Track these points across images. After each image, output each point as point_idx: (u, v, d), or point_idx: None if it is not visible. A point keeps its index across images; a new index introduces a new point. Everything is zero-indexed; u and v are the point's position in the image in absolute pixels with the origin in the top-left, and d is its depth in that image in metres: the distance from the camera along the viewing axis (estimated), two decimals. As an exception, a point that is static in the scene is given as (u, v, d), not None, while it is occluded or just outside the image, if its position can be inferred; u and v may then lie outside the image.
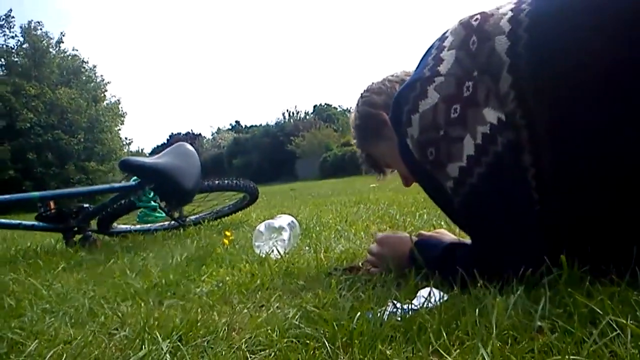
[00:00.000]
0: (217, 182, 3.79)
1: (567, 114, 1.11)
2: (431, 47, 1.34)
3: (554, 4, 1.17)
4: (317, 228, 2.94)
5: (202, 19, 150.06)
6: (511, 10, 1.21)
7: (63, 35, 28.36)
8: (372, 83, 1.66)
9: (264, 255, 2.03)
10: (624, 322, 0.83)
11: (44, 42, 25.13)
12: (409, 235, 1.51)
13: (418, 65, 1.35)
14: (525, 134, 1.15)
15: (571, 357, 0.78)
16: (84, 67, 26.82)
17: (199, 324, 1.18)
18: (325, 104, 57.05)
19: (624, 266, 1.08)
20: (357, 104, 1.66)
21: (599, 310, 0.91)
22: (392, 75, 1.63)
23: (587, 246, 1.12)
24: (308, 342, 0.98)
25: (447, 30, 1.31)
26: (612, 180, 1.10)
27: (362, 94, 1.66)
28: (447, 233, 1.67)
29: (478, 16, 1.26)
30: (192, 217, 4.05)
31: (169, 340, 1.07)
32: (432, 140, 1.23)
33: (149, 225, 3.76)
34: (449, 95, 1.21)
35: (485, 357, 0.79)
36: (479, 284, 1.14)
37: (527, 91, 1.13)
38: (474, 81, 1.18)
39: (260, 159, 47.13)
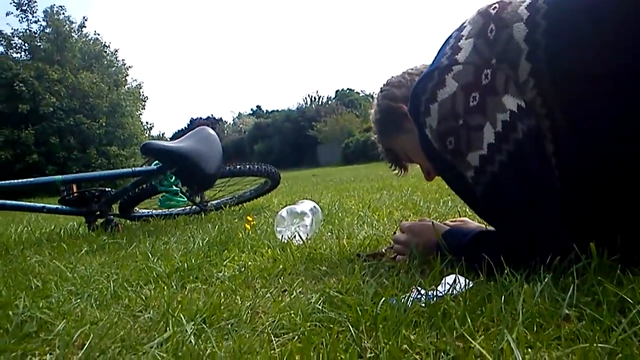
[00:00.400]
0: (238, 166, 3.78)
1: (587, 103, 1.10)
2: (449, 37, 1.33)
3: None
4: (340, 214, 2.93)
5: (224, 2, 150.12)
6: None
7: (85, 20, 28.63)
8: (392, 77, 1.65)
9: (286, 241, 2.03)
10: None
11: (66, 26, 25.25)
12: (434, 222, 1.50)
13: (436, 56, 1.35)
14: (547, 123, 1.14)
15: (599, 345, 0.77)
16: (106, 52, 26.89)
17: (222, 307, 1.19)
18: (348, 88, 56.90)
19: None
20: (377, 98, 1.65)
21: (629, 299, 0.90)
22: (412, 68, 1.63)
23: (617, 235, 1.10)
24: (332, 326, 0.98)
25: (466, 20, 1.31)
26: (637, 169, 1.08)
27: (381, 87, 1.65)
28: (472, 222, 1.65)
29: (496, 5, 1.25)
30: (214, 202, 4.06)
31: (193, 323, 1.08)
32: (452, 129, 1.22)
33: (170, 209, 3.77)
34: (468, 84, 1.20)
35: (511, 343, 0.78)
36: (505, 272, 1.13)
37: (546, 79, 1.13)
38: (492, 69, 1.18)
39: (282, 144, 47.21)
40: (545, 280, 1.04)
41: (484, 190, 1.21)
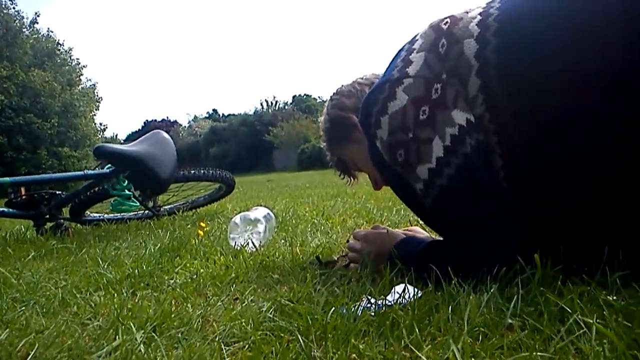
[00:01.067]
0: (192, 171, 3.76)
1: (536, 120, 1.14)
2: (401, 49, 1.35)
3: (522, 11, 1.19)
4: (293, 221, 2.94)
5: (180, 3, 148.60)
6: (480, 14, 1.23)
7: (38, 16, 27.82)
8: (342, 86, 1.66)
9: (239, 248, 2.02)
10: (591, 320, 0.85)
11: (16, 21, 24.50)
12: (389, 229, 1.52)
13: (387, 68, 1.37)
14: (495, 137, 1.17)
15: (538, 353, 0.79)
16: (59, 50, 26.23)
17: (172, 316, 1.18)
18: (305, 94, 56.88)
19: (595, 265, 1.10)
20: (327, 107, 1.66)
21: (568, 309, 0.94)
22: (362, 78, 1.64)
23: (560, 246, 1.14)
24: (282, 335, 0.99)
25: (417, 34, 1.33)
26: (584, 184, 1.12)
27: (331, 97, 1.66)
28: (421, 231, 1.68)
29: (448, 19, 1.28)
30: (167, 207, 4.02)
31: (142, 331, 1.07)
32: (401, 142, 1.24)
33: (122, 214, 3.72)
34: (418, 97, 1.22)
35: (456, 353, 0.81)
36: (453, 282, 1.15)
37: (496, 95, 1.16)
38: (442, 83, 1.20)
39: (238, 149, 46.91)
40: (492, 290, 1.07)
41: (433, 203, 1.23)
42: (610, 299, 0.98)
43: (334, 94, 1.66)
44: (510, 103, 1.15)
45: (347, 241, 1.65)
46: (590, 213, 1.14)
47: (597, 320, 0.86)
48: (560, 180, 1.14)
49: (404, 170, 1.27)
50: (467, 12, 1.27)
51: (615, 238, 1.12)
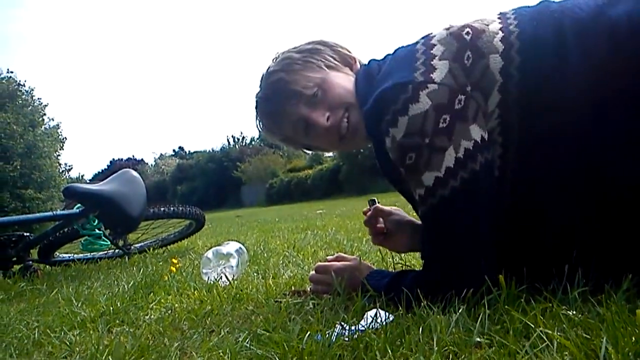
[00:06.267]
0: (162, 209, 3.76)
1: (538, 138, 1.20)
2: (413, 49, 1.33)
3: (540, 30, 1.23)
4: (265, 254, 2.96)
5: (143, 42, 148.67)
6: (501, 30, 1.26)
7: (-2, 58, 27.49)
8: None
9: (212, 282, 2.04)
10: (553, 334, 0.90)
11: (-25, 65, 24.26)
12: (360, 259, 1.56)
13: (395, 67, 1.36)
14: (499, 150, 1.22)
15: (505, 367, 0.84)
16: (20, 91, 25.95)
17: (150, 350, 1.20)
18: (272, 129, 56.99)
19: (557, 283, 1.16)
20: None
21: (531, 325, 0.98)
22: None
23: (524, 266, 1.19)
24: (259, 362, 1.01)
25: (433, 37, 1.32)
26: (564, 205, 1.19)
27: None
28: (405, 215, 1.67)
29: (469, 30, 1.28)
30: (137, 245, 4.00)
31: (121, 365, 1.08)
32: (415, 145, 1.23)
33: (92, 253, 3.69)
34: (441, 105, 1.22)
35: (428, 371, 0.84)
36: (422, 304, 1.19)
37: (511, 111, 1.21)
38: (466, 96, 1.22)
39: (206, 186, 46.63)
40: (460, 311, 1.12)
41: (428, 211, 1.25)
42: (570, 313, 1.03)
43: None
44: (520, 121, 1.21)
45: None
46: (557, 235, 1.21)
47: (559, 334, 0.91)
48: (541, 203, 1.21)
49: (408, 173, 1.27)
50: (487, 25, 1.29)
51: (576, 254, 1.17)
